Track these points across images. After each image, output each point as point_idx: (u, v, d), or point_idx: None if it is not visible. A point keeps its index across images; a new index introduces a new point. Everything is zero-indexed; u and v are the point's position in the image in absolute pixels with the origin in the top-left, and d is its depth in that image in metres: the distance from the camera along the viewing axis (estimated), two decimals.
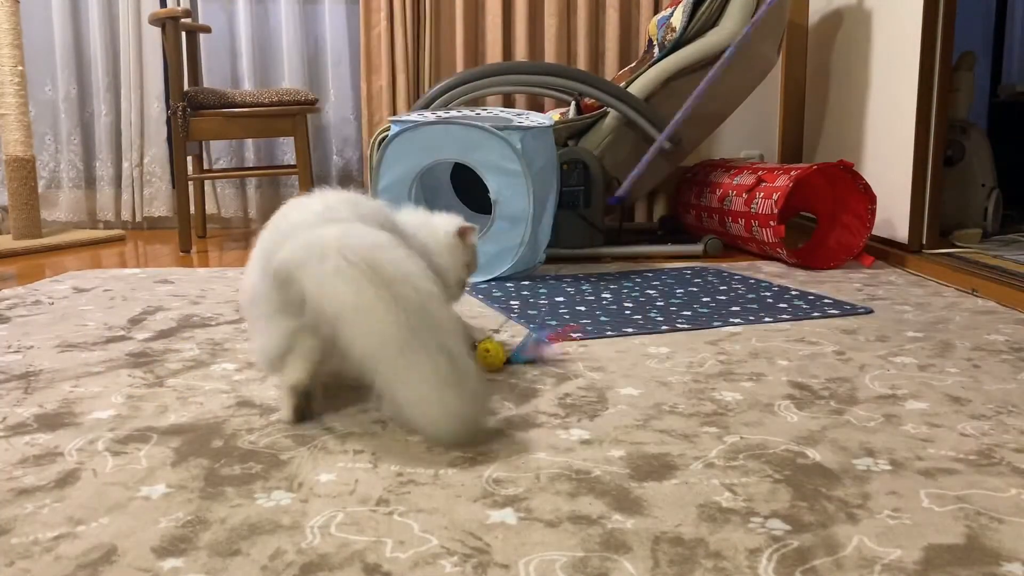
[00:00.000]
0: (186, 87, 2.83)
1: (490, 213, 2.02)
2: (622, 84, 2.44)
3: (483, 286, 1.98)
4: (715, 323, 1.56)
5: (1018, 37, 3.32)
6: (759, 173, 2.32)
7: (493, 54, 3.06)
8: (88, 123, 3.33)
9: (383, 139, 2.24)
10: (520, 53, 3.06)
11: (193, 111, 2.73)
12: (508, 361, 1.28)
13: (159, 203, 3.34)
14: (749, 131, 3.21)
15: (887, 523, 0.76)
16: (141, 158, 3.30)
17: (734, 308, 1.69)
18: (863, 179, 2.19)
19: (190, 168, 3.00)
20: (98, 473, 0.90)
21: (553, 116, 2.39)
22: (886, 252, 2.28)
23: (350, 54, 3.29)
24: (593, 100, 2.44)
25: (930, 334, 1.47)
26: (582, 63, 3.05)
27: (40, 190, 3.29)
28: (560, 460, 0.92)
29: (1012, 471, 0.87)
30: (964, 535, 0.74)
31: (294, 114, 2.75)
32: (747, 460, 0.91)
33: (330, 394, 1.15)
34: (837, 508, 0.79)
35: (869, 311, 1.65)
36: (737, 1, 2.37)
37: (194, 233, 3.05)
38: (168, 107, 2.91)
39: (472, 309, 1.74)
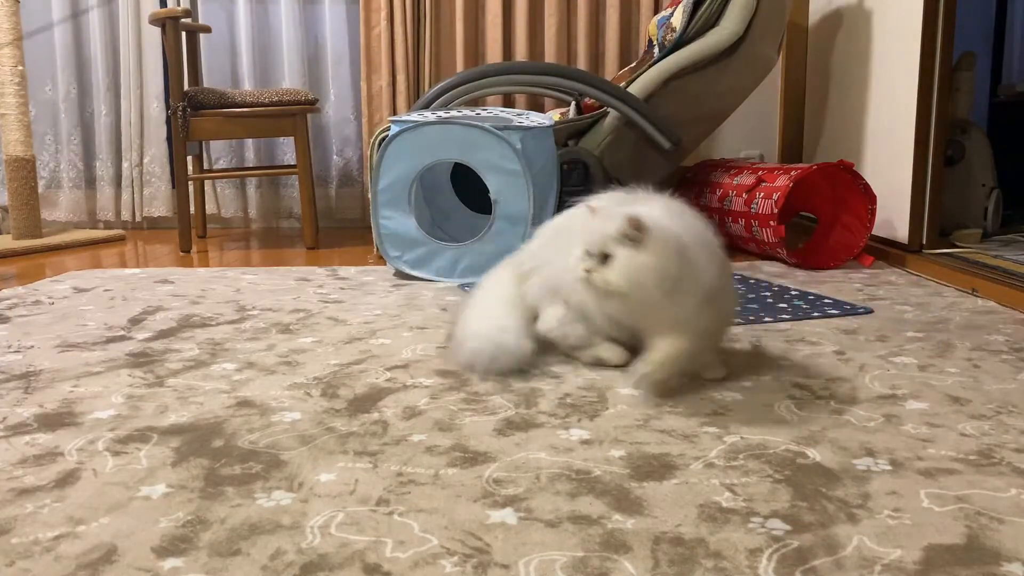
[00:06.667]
0: (186, 87, 2.83)
1: (490, 213, 2.02)
2: (622, 84, 2.44)
3: None
4: None
5: (1018, 37, 3.31)
6: (759, 173, 2.32)
7: (493, 54, 3.06)
8: (88, 123, 3.33)
9: (383, 139, 2.24)
10: (520, 53, 3.06)
11: (193, 111, 2.72)
12: None
13: (159, 203, 3.34)
14: (749, 131, 3.21)
15: (887, 523, 0.76)
16: (141, 158, 3.30)
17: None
18: (863, 179, 2.19)
19: (190, 168, 3.00)
20: (98, 473, 0.90)
21: (553, 116, 2.39)
22: (886, 252, 2.28)
23: (350, 54, 3.29)
24: (593, 100, 2.44)
25: (930, 334, 1.47)
26: (582, 63, 3.05)
27: (40, 190, 3.29)
28: (560, 460, 0.91)
29: (1012, 471, 0.87)
30: (964, 535, 0.74)
31: (294, 114, 2.75)
32: (747, 460, 0.91)
33: (332, 393, 1.15)
34: (837, 508, 0.79)
35: (869, 311, 1.65)
36: (737, 1, 2.37)
37: (194, 233, 3.05)
38: (168, 107, 2.91)
39: None
